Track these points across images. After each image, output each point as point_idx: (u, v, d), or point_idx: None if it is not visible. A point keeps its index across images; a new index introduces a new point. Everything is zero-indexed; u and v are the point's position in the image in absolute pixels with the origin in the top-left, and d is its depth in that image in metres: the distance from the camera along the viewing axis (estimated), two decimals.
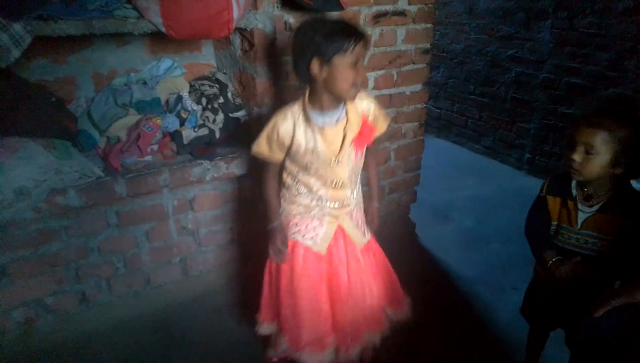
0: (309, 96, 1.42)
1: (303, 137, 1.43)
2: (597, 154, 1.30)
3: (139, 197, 1.93)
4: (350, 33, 1.30)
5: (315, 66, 1.32)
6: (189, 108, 2.11)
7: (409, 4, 2.23)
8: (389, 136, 2.47)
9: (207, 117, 2.11)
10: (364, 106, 1.50)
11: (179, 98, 2.14)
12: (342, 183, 1.51)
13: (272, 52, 1.95)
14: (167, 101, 2.18)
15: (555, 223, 1.50)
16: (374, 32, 2.19)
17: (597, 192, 1.40)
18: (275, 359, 1.74)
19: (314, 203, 1.54)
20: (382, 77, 2.32)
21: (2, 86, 1.75)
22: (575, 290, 1.44)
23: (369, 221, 1.70)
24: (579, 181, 1.42)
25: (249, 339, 1.93)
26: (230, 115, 2.14)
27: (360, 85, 1.37)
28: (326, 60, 1.31)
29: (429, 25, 2.34)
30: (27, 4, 1.50)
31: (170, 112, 2.12)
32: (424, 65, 2.43)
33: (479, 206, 3.21)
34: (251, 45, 1.96)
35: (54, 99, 1.93)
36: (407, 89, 2.43)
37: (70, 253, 1.90)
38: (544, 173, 3.54)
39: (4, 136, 1.72)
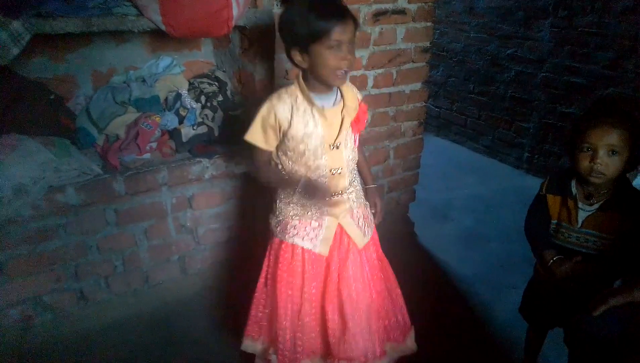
0: (302, 78, 1.37)
1: (301, 119, 1.36)
2: (620, 154, 1.31)
3: (137, 195, 1.93)
4: (327, 15, 1.22)
5: (296, 55, 1.29)
6: (188, 106, 2.11)
7: (409, 2, 2.23)
8: (389, 134, 2.47)
9: (206, 115, 2.11)
10: (356, 91, 1.48)
11: (178, 96, 2.14)
12: (341, 170, 1.44)
13: (272, 50, 1.95)
14: (166, 99, 2.18)
15: (555, 221, 1.50)
16: (373, 31, 2.19)
17: (598, 190, 1.40)
18: None
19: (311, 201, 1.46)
20: (381, 75, 2.31)
21: (1, 84, 1.75)
22: (575, 289, 1.44)
23: (372, 205, 1.62)
24: (580, 180, 1.43)
25: None
26: (230, 113, 2.14)
27: (348, 68, 1.30)
28: (304, 48, 1.27)
29: (428, 24, 2.34)
30: (26, 1, 1.50)
31: (169, 110, 2.12)
32: (424, 64, 2.43)
33: (478, 205, 3.21)
34: (251, 43, 1.96)
35: (52, 97, 1.93)
36: (407, 88, 2.43)
37: (69, 251, 1.90)
38: (543, 172, 3.55)
39: (3, 133, 1.72)
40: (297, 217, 1.49)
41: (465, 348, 1.97)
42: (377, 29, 2.20)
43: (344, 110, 1.41)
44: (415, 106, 2.51)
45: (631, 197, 1.38)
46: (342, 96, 1.43)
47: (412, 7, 2.25)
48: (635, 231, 1.35)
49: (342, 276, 1.51)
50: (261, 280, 1.61)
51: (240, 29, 1.95)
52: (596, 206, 1.40)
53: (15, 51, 1.48)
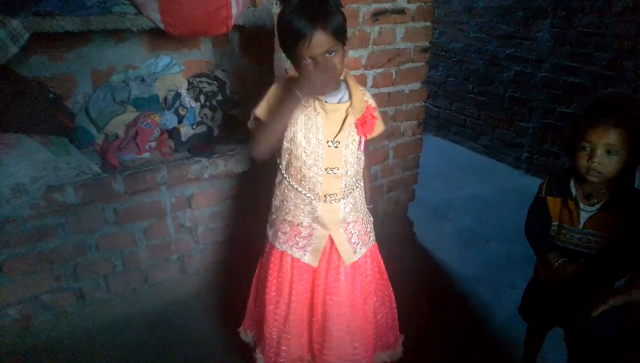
0: None
1: (302, 107, 1.32)
2: (618, 153, 1.31)
3: (136, 194, 1.92)
4: (305, 20, 1.14)
5: (289, 62, 1.27)
6: (187, 105, 2.11)
7: (408, 2, 2.23)
8: (388, 134, 2.47)
9: (205, 114, 2.11)
10: (368, 97, 1.44)
11: (177, 95, 2.13)
12: (337, 170, 1.37)
13: (271, 49, 1.94)
14: (165, 98, 2.18)
15: (556, 223, 1.50)
16: (372, 30, 2.19)
17: (597, 190, 1.40)
18: None
19: (305, 201, 1.41)
20: (380, 75, 2.31)
21: (0, 83, 1.75)
22: (575, 289, 1.44)
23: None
24: (579, 180, 1.43)
25: None
26: (229, 112, 2.13)
27: (330, 75, 1.23)
28: (288, 55, 1.24)
29: (428, 24, 2.34)
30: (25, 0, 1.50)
31: (169, 109, 2.12)
32: (423, 63, 2.43)
33: (477, 205, 3.21)
34: (250, 42, 1.95)
35: (51, 96, 1.93)
36: (406, 88, 2.43)
37: (68, 251, 1.90)
38: (542, 172, 3.55)
39: (2, 132, 1.71)
40: (288, 222, 1.45)
41: (465, 348, 1.97)
42: (376, 28, 2.20)
43: (349, 109, 1.36)
44: (415, 105, 2.51)
45: (632, 197, 1.38)
46: (350, 95, 1.38)
47: (412, 6, 2.25)
48: (636, 232, 1.35)
49: (329, 287, 1.47)
50: (255, 278, 1.64)
51: (239, 28, 1.95)
52: (597, 206, 1.40)
53: (14, 49, 1.48)
